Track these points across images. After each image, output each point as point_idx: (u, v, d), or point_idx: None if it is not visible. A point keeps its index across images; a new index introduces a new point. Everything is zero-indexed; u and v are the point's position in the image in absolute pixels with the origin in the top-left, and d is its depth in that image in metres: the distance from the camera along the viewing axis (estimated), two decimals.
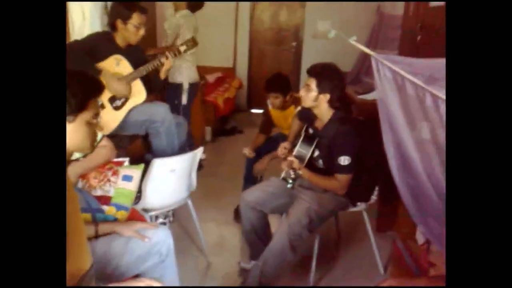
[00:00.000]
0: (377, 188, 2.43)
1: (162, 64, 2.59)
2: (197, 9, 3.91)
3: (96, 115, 1.22)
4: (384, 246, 2.59)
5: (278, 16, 6.10)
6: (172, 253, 1.73)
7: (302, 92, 2.18)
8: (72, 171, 1.81)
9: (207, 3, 5.61)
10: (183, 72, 3.79)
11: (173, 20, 3.71)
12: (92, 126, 1.22)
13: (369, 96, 3.67)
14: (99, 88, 1.24)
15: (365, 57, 4.99)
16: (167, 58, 2.58)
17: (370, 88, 3.87)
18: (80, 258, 1.07)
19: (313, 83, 2.12)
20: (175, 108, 3.71)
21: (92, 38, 2.53)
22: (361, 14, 5.34)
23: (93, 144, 1.25)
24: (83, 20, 2.88)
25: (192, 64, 3.87)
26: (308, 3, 5.83)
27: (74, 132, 1.17)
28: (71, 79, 1.13)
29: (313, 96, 2.13)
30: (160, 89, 2.85)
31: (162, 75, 2.66)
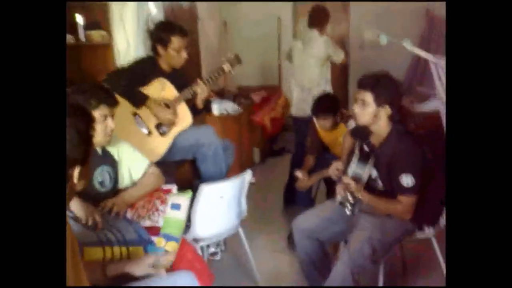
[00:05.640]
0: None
1: (196, 93, 2.44)
2: None
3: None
4: None
5: None
6: None
7: (356, 109, 1.96)
8: (121, 201, 1.76)
9: (247, 21, 5.58)
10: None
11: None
12: None
13: (427, 106, 3.42)
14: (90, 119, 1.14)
15: (417, 65, 4.72)
16: (198, 85, 2.43)
17: (424, 98, 3.63)
18: None
19: (368, 97, 1.91)
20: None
21: (137, 64, 2.50)
22: (408, 20, 5.08)
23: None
24: (128, 47, 2.92)
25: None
26: (352, 12, 5.66)
27: None
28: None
29: (370, 112, 1.92)
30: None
31: (199, 105, 2.50)
